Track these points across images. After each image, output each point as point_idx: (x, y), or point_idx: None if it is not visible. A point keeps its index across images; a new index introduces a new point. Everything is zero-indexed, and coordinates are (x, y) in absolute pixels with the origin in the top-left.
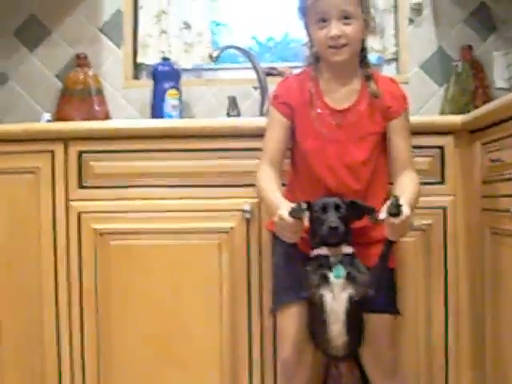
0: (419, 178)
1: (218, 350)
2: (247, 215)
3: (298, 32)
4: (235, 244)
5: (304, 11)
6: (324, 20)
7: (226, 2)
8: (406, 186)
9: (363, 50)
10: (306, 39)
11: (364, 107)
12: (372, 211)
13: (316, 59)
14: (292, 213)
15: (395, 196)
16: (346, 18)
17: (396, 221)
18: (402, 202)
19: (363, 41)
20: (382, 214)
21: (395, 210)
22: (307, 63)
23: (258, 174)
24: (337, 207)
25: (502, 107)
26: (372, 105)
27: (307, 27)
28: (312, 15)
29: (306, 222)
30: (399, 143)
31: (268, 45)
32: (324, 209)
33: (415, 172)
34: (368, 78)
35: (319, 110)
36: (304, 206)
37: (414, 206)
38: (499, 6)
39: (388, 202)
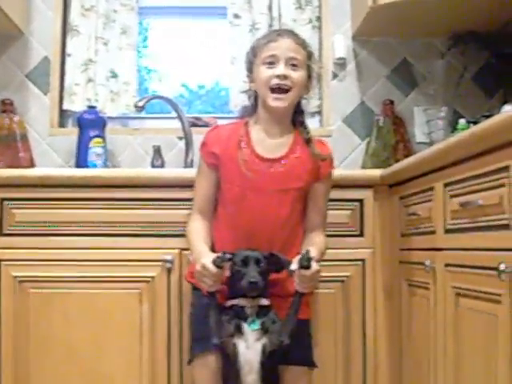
0: (326, 241)
1: None
2: (168, 265)
3: (228, 80)
4: (156, 293)
5: (255, 51)
6: (272, 62)
7: (158, 49)
8: (315, 245)
9: (299, 109)
10: (245, 87)
11: (293, 162)
12: (289, 264)
13: (252, 107)
14: (215, 261)
15: (307, 250)
16: (293, 65)
17: (307, 273)
18: (312, 255)
19: (300, 99)
20: (293, 266)
21: (306, 263)
22: (242, 113)
23: (187, 225)
24: (257, 261)
25: (417, 163)
26: (302, 162)
27: (251, 67)
28: (262, 56)
29: (227, 272)
30: (318, 206)
31: (199, 92)
32: (244, 262)
33: (324, 234)
34: (308, 140)
35: (246, 158)
36: (228, 256)
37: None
38: (420, 62)
39: (299, 256)
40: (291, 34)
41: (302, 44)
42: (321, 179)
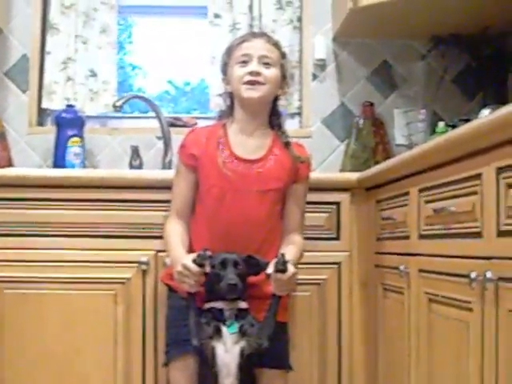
0: (303, 243)
1: None
2: (144, 267)
3: (214, 77)
4: (131, 295)
5: (229, 53)
6: (245, 61)
7: (143, 46)
8: (292, 248)
9: (275, 112)
10: (221, 89)
11: (272, 163)
12: (267, 266)
13: (229, 110)
14: (196, 260)
15: (282, 254)
16: (266, 64)
17: (283, 277)
18: (287, 258)
19: (275, 99)
20: (269, 269)
21: (282, 267)
22: (219, 115)
23: (165, 227)
24: (235, 264)
25: (393, 167)
26: (280, 163)
27: (226, 69)
28: (235, 56)
29: (208, 269)
30: (295, 207)
31: (184, 89)
32: (223, 265)
33: (302, 236)
34: (287, 143)
35: (225, 159)
36: (208, 253)
37: (296, 266)
38: (400, 64)
39: (275, 259)
40: (265, 35)
41: (276, 44)
42: (299, 181)
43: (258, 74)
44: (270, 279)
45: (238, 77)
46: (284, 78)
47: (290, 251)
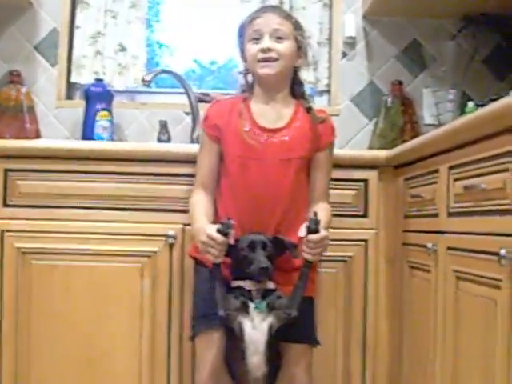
0: (331, 210)
1: (137, 376)
2: (171, 240)
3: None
4: (158, 269)
5: (241, 31)
6: (258, 38)
7: (170, 23)
8: (321, 213)
9: (297, 81)
10: (241, 67)
11: (294, 131)
12: (294, 247)
13: (249, 86)
14: (220, 229)
15: (315, 212)
16: (279, 38)
17: (315, 237)
18: (319, 217)
19: (296, 70)
20: (301, 232)
21: (314, 226)
22: (241, 91)
23: (190, 199)
24: (264, 245)
25: (422, 145)
26: (303, 131)
27: (243, 48)
28: (248, 33)
29: (232, 240)
30: (320, 175)
31: (211, 68)
32: (251, 247)
33: (329, 204)
34: (309, 108)
35: (248, 128)
36: (232, 222)
37: (327, 230)
38: (430, 44)
39: (306, 222)
40: (276, 8)
41: (287, 17)
42: (323, 148)
43: (269, 50)
44: (302, 243)
45: (252, 54)
46: (300, 49)
47: (320, 214)
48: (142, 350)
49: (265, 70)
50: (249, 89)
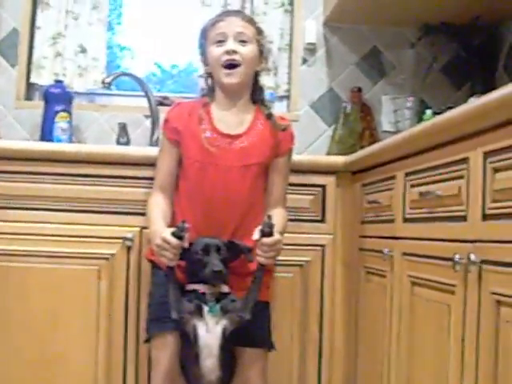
0: (287, 216)
1: (93, 378)
2: (128, 243)
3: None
4: (115, 271)
5: (204, 34)
6: (221, 41)
7: (132, 26)
8: (276, 218)
9: (257, 87)
10: (202, 70)
11: (254, 137)
12: (248, 251)
13: (210, 90)
14: (175, 233)
15: (269, 215)
16: (242, 41)
17: (269, 241)
18: (274, 222)
19: (257, 74)
20: (255, 235)
21: (268, 229)
22: (201, 94)
23: (148, 202)
24: (218, 249)
25: (380, 151)
26: (263, 137)
27: (204, 51)
28: (211, 36)
29: (186, 243)
30: (278, 180)
31: (171, 72)
32: (205, 250)
33: (285, 209)
34: (269, 115)
35: (208, 134)
36: (186, 225)
37: (282, 234)
38: (390, 51)
39: (260, 225)
40: (239, 12)
41: (250, 21)
42: (282, 154)
43: (234, 52)
44: (256, 246)
45: (216, 57)
46: (261, 54)
47: (275, 218)
48: (98, 351)
49: (228, 79)
50: (209, 92)
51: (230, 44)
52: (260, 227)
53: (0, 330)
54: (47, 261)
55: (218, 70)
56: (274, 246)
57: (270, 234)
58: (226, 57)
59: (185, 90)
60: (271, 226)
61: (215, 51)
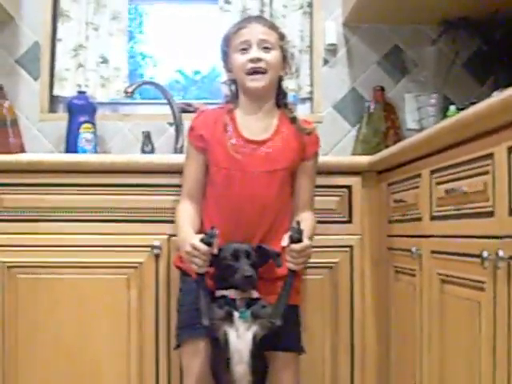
0: (316, 219)
1: None
2: (157, 251)
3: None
4: (144, 280)
5: (226, 41)
6: (245, 48)
7: (153, 34)
8: (304, 223)
9: (281, 91)
10: (224, 76)
11: (279, 143)
12: (277, 256)
13: (234, 96)
14: (204, 239)
15: (297, 221)
16: (266, 48)
17: (297, 247)
18: (302, 228)
19: (280, 79)
20: (284, 242)
21: (297, 235)
22: (225, 101)
23: (176, 209)
24: (247, 254)
25: (404, 150)
26: (288, 142)
27: (227, 58)
28: (234, 44)
29: (216, 250)
30: (305, 184)
31: (194, 78)
32: (235, 256)
33: (313, 212)
34: (293, 119)
35: (233, 141)
36: (215, 231)
37: (311, 239)
38: (411, 49)
39: (289, 231)
40: (260, 18)
41: (272, 26)
42: (308, 158)
43: (258, 59)
44: (285, 253)
45: (240, 65)
46: (285, 59)
47: (303, 223)
48: (130, 361)
49: (254, 83)
50: (233, 99)
51: (254, 52)
52: (289, 233)
53: (29, 343)
54: (76, 271)
55: (242, 77)
56: (303, 252)
57: (299, 240)
58: (251, 65)
59: (209, 96)
60: (300, 232)
61: (239, 59)
